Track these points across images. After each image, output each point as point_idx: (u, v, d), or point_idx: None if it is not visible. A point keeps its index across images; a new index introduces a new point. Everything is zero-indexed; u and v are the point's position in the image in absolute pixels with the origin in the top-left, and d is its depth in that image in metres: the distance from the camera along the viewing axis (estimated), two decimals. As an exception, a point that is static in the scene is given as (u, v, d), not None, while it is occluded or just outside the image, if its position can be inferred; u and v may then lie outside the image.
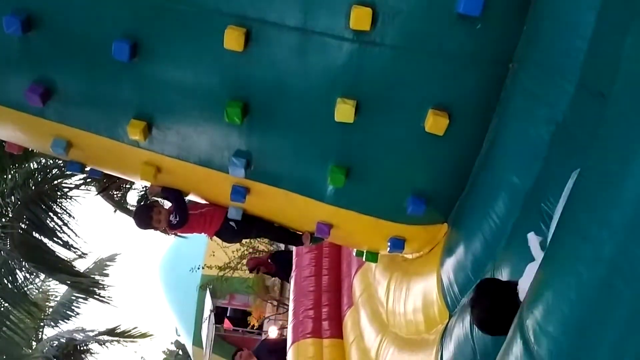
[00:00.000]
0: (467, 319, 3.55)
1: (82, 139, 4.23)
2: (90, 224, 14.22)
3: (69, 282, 10.76)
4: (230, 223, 4.69)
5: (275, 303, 16.05)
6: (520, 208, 3.13)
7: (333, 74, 3.47)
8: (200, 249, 17.02)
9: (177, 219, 4.72)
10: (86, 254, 10.34)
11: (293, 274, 8.93)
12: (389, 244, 4.45)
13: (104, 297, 11.29)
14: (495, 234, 3.44)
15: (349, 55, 3.39)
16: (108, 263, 14.38)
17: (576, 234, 1.38)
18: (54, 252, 9.75)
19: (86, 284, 11.11)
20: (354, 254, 5.83)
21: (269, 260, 13.35)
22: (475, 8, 3.08)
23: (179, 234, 4.89)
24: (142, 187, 15.95)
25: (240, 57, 3.47)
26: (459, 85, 3.44)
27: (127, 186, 15.49)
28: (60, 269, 9.73)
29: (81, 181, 11.18)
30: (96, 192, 11.45)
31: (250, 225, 4.79)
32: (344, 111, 3.47)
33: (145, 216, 4.68)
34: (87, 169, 5.01)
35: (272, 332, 16.16)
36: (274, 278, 16.61)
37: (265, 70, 3.54)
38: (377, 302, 6.13)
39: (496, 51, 3.34)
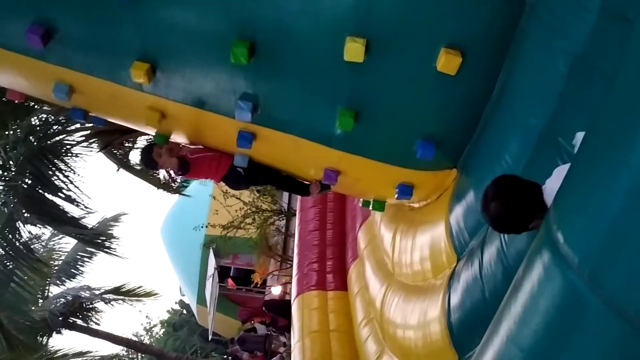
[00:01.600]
0: (477, 261, 3.53)
1: (84, 83, 4.14)
2: (94, 182, 14.23)
3: (75, 234, 10.79)
4: (238, 169, 4.65)
5: (278, 260, 16.15)
6: (534, 146, 3.06)
7: (342, 11, 3.36)
8: (203, 208, 17.02)
9: (181, 172, 4.74)
10: (91, 210, 10.31)
11: (297, 228, 8.94)
12: (396, 190, 4.41)
13: (111, 249, 11.36)
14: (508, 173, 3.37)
15: (360, -11, 3.27)
16: (112, 223, 14.47)
17: (610, 144, 1.31)
18: (58, 206, 9.74)
19: (92, 236, 11.14)
20: (360, 204, 5.81)
21: (263, 309, 13.35)
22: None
23: (184, 178, 4.97)
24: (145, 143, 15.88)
25: (247, -7, 3.36)
26: (473, 22, 3.33)
27: (129, 145, 15.42)
28: (66, 222, 9.74)
29: (83, 138, 11.10)
30: (99, 149, 11.37)
31: (257, 172, 4.75)
32: (354, 50, 3.37)
33: (147, 156, 4.77)
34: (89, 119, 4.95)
35: (276, 290, 16.34)
36: (277, 237, 16.70)
37: (272, 8, 3.43)
38: (383, 252, 6.13)
39: (512, -15, 3.23)
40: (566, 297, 1.37)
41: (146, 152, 4.85)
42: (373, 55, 3.44)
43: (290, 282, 15.05)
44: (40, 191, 9.43)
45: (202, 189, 17.46)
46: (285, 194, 17.55)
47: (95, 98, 4.34)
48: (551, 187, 1.99)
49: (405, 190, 4.39)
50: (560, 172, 1.99)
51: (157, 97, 4.07)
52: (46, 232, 14.41)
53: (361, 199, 5.66)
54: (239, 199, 15.49)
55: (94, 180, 12.74)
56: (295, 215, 15.22)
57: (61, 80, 4.15)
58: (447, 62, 3.35)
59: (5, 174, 9.10)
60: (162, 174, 16.07)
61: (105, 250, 11.44)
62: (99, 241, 11.53)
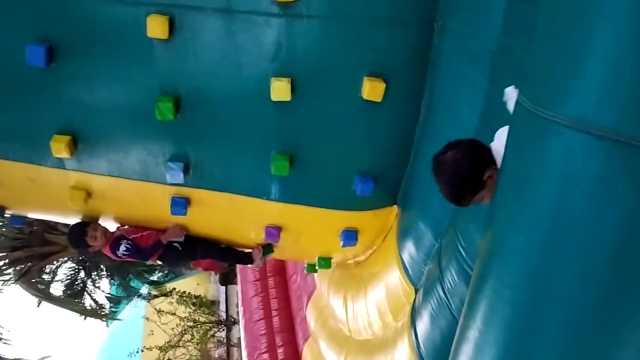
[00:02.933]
0: (437, 282, 3.43)
1: (2, 171, 3.90)
2: (15, 322, 13.10)
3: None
4: (174, 244, 4.39)
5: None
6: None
7: (264, 53, 3.42)
8: (137, 332, 15.93)
9: (127, 253, 4.32)
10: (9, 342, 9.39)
11: (242, 320, 8.50)
12: (341, 237, 4.32)
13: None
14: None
15: (278, 31, 3.36)
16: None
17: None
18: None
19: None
20: (305, 270, 5.63)
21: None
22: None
23: (127, 260, 4.48)
24: (67, 275, 15.01)
25: (166, 47, 3.37)
26: (390, 50, 3.47)
27: (50, 277, 14.51)
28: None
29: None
30: (15, 279, 10.60)
31: (195, 245, 4.51)
32: (280, 88, 3.41)
33: (79, 236, 4.25)
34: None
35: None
36: (219, 349, 15.78)
37: (193, 58, 3.43)
38: (336, 320, 5.90)
39: (419, 11, 3.43)
40: (564, 156, 1.35)
41: (78, 231, 4.27)
42: (299, 93, 3.48)
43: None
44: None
45: (133, 311, 16.48)
46: (223, 303, 16.87)
47: (13, 187, 4.06)
48: (495, 148, 2.03)
49: (350, 236, 4.32)
50: (500, 134, 2.04)
51: (81, 173, 3.88)
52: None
53: (305, 264, 5.50)
54: (174, 314, 14.74)
55: (15, 320, 11.72)
56: (235, 323, 14.58)
57: (-27, 171, 3.89)
58: (372, 89, 3.45)
59: None
60: (88, 301, 15.12)
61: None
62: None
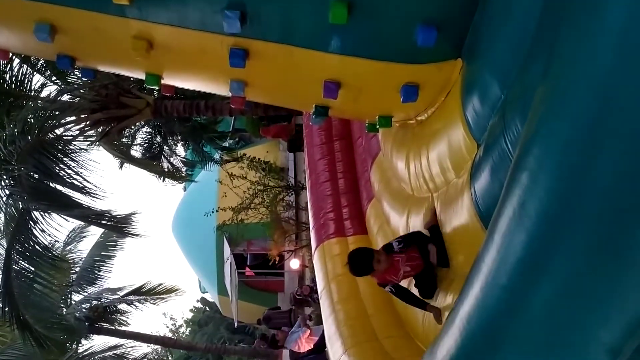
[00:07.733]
0: (502, 140, 3.30)
1: (65, 19, 3.98)
2: (101, 178, 14.10)
3: (90, 219, 10.70)
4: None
5: (293, 232, 16.01)
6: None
7: None
8: (211, 194, 16.92)
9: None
10: (100, 196, 10.17)
11: (308, 181, 8.79)
12: (401, 93, 4.22)
13: (130, 229, 11.26)
14: (521, 36, 3.15)
15: None
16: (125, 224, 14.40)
17: None
18: (65, 194, 9.66)
19: (107, 219, 11.01)
20: (366, 129, 5.62)
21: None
22: None
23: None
24: (145, 139, 15.76)
25: None
26: None
27: (129, 141, 15.28)
28: (74, 206, 9.63)
29: (78, 132, 10.97)
30: (97, 139, 11.24)
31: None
32: None
33: (366, 261, 4.52)
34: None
35: (294, 264, 16.24)
36: (288, 212, 16.56)
37: None
38: (399, 180, 5.96)
39: None
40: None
41: (365, 257, 4.55)
42: None
43: (307, 252, 14.96)
44: (45, 182, 9.34)
45: (208, 175, 17.36)
46: (292, 170, 17.41)
47: (78, 36, 4.16)
48: None
49: (410, 91, 4.19)
50: None
51: (141, 22, 3.88)
52: (60, 237, 14.36)
53: (366, 124, 5.48)
54: (245, 178, 15.39)
55: (101, 177, 12.64)
56: (303, 188, 15.12)
57: (41, 19, 3.98)
58: None
59: (9, 167, 9.01)
60: (165, 164, 15.95)
61: (130, 233, 11.36)
62: (119, 225, 11.36)
